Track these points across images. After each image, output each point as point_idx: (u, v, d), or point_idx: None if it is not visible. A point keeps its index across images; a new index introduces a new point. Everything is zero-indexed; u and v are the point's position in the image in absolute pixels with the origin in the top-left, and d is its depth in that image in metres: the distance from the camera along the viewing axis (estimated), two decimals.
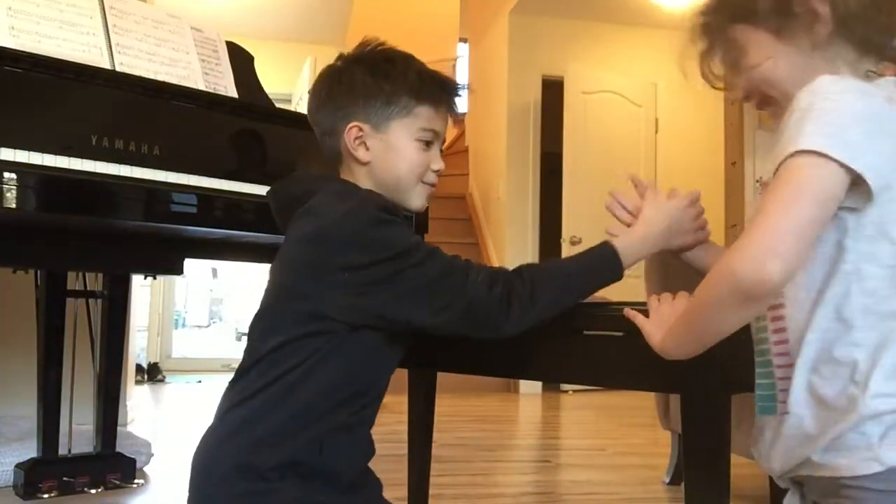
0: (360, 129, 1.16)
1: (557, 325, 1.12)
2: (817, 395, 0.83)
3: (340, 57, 1.22)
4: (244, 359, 1.12)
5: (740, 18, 0.94)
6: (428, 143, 1.19)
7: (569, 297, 1.12)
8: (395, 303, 1.06)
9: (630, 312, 1.03)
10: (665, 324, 0.97)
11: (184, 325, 6.74)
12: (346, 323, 1.07)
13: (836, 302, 0.83)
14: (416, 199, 1.20)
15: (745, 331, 1.09)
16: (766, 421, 0.92)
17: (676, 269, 1.29)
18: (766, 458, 0.94)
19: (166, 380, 5.61)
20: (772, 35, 0.93)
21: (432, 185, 1.22)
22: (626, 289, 1.26)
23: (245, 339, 1.19)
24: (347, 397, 1.09)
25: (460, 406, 4.44)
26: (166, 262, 2.18)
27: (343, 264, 1.05)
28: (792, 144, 0.79)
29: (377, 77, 1.16)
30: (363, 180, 1.18)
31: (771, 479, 1.43)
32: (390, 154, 1.17)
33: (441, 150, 1.22)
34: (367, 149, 1.17)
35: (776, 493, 1.45)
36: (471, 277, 1.07)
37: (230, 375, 1.13)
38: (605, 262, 1.13)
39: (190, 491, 1.08)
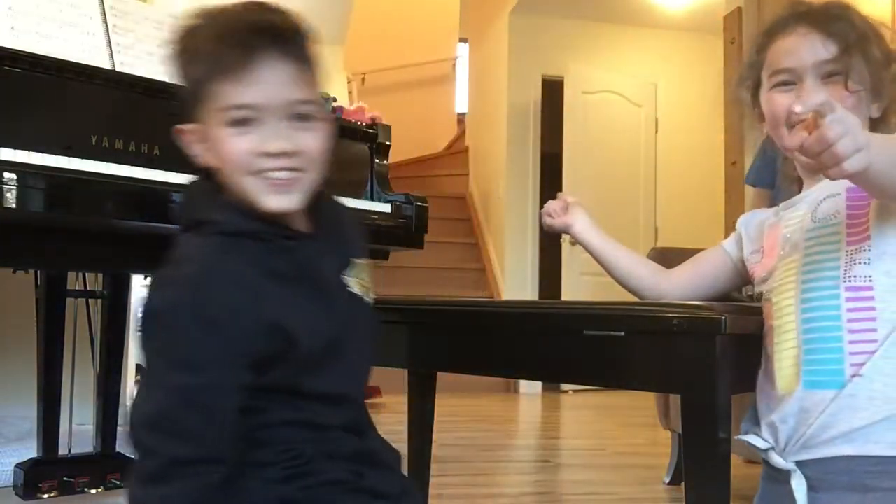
0: (182, 132, 0.96)
1: (558, 325, 1.12)
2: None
3: None
4: None
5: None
6: (243, 122, 0.90)
7: None
8: None
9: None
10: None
11: None
12: None
13: None
14: (258, 198, 0.91)
15: (746, 331, 1.09)
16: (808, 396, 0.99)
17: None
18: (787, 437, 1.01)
19: None
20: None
21: (272, 174, 0.90)
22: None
23: None
24: None
25: (460, 406, 4.44)
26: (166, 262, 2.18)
27: None
28: None
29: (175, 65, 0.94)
30: (227, 191, 0.95)
31: None
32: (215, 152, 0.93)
33: (281, 124, 0.90)
34: (202, 152, 0.95)
35: None
36: None
37: None
38: None
39: None
